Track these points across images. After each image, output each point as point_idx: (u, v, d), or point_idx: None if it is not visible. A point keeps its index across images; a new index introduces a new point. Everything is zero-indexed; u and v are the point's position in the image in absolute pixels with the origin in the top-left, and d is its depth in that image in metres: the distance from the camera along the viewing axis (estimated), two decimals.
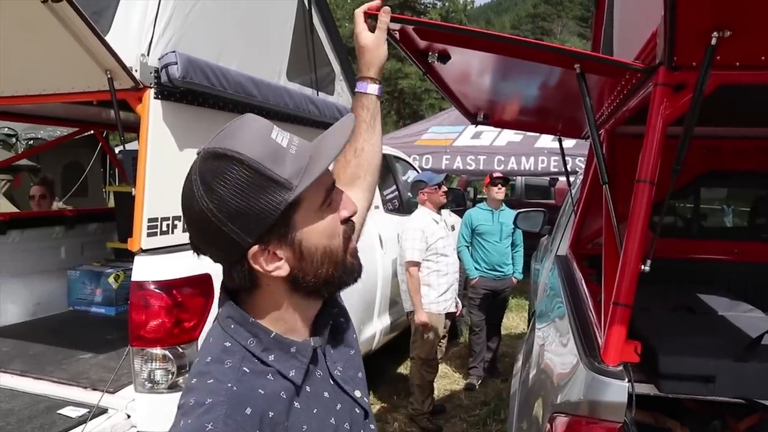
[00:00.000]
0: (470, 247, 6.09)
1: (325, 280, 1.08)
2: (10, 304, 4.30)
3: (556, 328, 2.33)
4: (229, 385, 0.98)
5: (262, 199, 0.97)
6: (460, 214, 6.56)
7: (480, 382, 5.96)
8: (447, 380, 6.17)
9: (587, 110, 1.73)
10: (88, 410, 2.83)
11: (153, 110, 2.97)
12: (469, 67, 2.35)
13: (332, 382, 1.14)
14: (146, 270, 2.86)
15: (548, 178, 10.69)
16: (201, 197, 0.97)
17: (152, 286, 2.84)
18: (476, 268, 6.02)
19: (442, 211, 6.94)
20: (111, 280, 4.43)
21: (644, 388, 2.22)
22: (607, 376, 1.62)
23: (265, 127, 1.03)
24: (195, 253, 1.06)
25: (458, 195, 7.14)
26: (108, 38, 2.85)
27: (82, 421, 2.76)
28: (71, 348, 3.62)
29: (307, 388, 1.08)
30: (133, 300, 2.83)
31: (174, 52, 2.95)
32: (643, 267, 1.60)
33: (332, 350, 1.18)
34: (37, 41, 2.84)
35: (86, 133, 5.25)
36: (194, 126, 3.18)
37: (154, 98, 2.97)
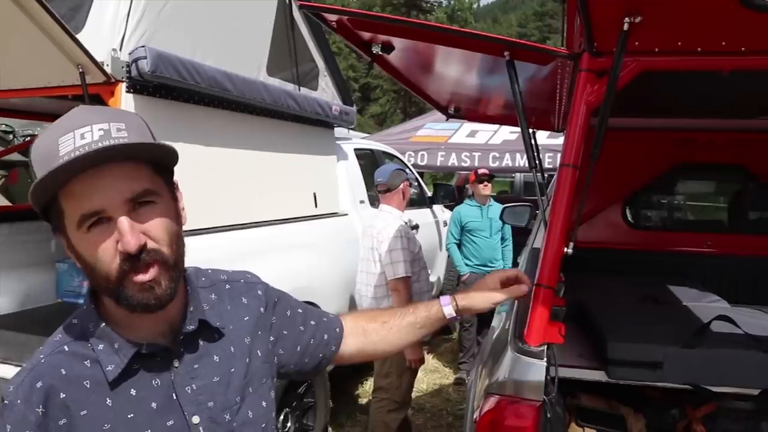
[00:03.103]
0: (459, 244, 6.12)
1: (103, 293, 1.07)
2: (0, 295, 4.38)
3: (504, 316, 2.37)
4: (41, 356, 1.06)
5: (35, 187, 0.98)
6: (453, 209, 6.60)
7: (470, 376, 5.98)
8: (437, 375, 6.21)
9: (515, 97, 1.77)
10: None
11: (125, 104, 3.02)
12: (423, 59, 2.39)
13: (174, 397, 1.10)
14: None
15: (547, 174, 10.65)
16: None
17: None
18: (467, 264, 6.05)
19: (434, 206, 7.00)
20: None
21: (596, 375, 2.26)
22: (528, 356, 1.65)
23: (62, 128, 1.01)
24: None
25: (449, 190, 7.16)
26: (82, 34, 2.92)
27: None
28: None
29: (132, 391, 1.07)
30: None
31: (144, 46, 3.00)
32: (566, 250, 1.62)
33: (195, 365, 1.14)
34: (10, 37, 2.89)
35: None
36: (167, 120, 3.22)
37: (126, 92, 3.03)
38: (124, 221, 1.01)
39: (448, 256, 6.55)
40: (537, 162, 1.88)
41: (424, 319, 1.46)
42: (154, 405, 1.07)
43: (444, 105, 3.31)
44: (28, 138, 7.19)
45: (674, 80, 2.00)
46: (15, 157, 6.51)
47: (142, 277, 1.03)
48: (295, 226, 4.31)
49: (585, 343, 2.46)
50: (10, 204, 6.14)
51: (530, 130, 1.86)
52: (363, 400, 5.41)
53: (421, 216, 6.36)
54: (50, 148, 0.99)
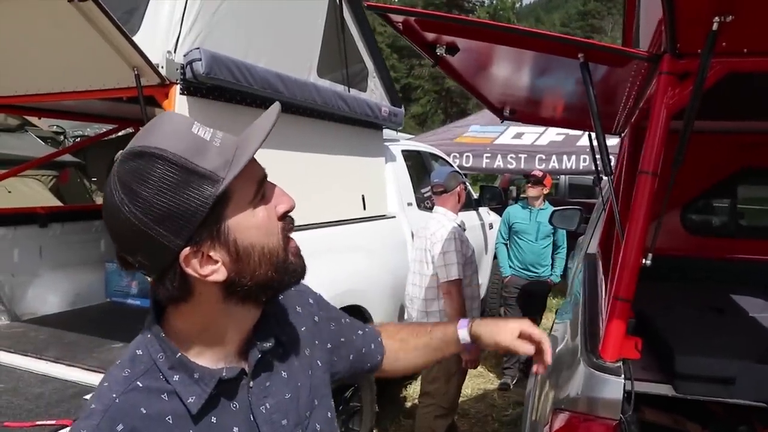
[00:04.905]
0: (508, 245, 6.04)
1: (263, 283, 1.01)
2: (51, 294, 4.44)
3: (569, 326, 2.29)
4: (114, 395, 0.96)
5: (188, 195, 0.90)
6: (499, 212, 6.50)
7: (514, 381, 5.89)
8: (481, 379, 6.12)
9: (590, 101, 1.69)
10: None
11: (179, 106, 3.02)
12: (485, 60, 2.33)
13: (252, 418, 1.05)
14: None
15: (592, 177, 10.48)
16: (122, 201, 0.90)
17: None
18: (510, 266, 5.97)
19: (480, 209, 6.92)
20: None
21: (662, 389, 2.16)
22: (604, 372, 1.57)
23: (185, 122, 0.96)
24: (122, 267, 0.99)
25: (496, 192, 7.05)
26: (138, 36, 2.92)
27: None
28: (104, 337, 3.71)
29: (213, 419, 1.01)
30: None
31: (198, 48, 2.99)
32: (644, 261, 1.54)
33: (267, 383, 1.09)
34: (68, 40, 2.92)
35: (126, 130, 5.37)
36: (220, 121, 3.21)
37: (180, 94, 3.02)
38: (274, 183, 1.05)
39: (494, 258, 6.47)
40: (610, 166, 1.79)
41: (439, 341, 1.41)
42: (236, 429, 1.03)
43: (499, 107, 3.24)
44: (78, 139, 7.34)
45: (753, 82, 1.91)
46: (66, 158, 6.64)
47: (294, 243, 1.07)
48: (344, 228, 4.28)
49: (648, 354, 2.36)
50: (61, 204, 6.24)
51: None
52: (408, 405, 5.36)
53: (467, 218, 6.29)
54: (194, 139, 0.93)
